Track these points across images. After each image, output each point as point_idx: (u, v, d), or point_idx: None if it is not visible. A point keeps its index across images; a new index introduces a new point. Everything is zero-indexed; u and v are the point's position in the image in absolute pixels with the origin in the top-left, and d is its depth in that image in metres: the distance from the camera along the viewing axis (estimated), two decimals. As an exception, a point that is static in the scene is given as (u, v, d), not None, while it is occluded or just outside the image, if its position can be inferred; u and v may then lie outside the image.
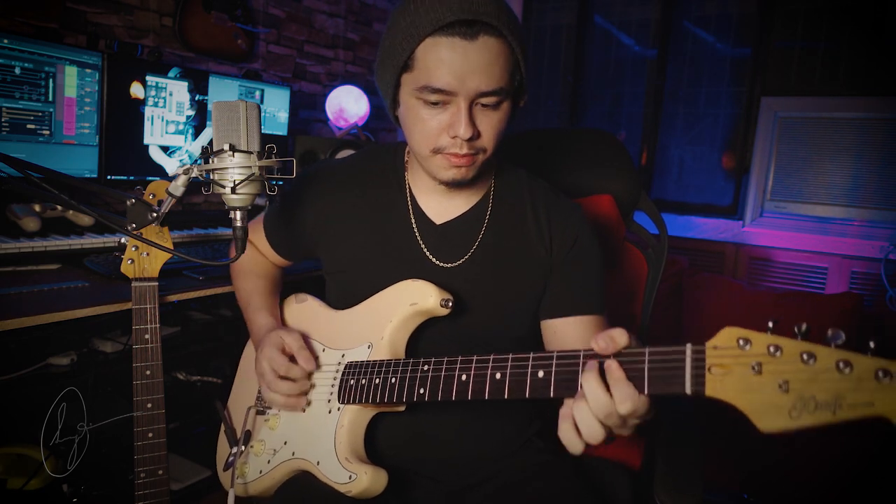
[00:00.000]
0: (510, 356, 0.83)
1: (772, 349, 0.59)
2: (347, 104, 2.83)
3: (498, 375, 0.82)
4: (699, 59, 3.38)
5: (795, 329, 0.59)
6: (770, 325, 0.61)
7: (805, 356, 0.57)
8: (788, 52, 3.09)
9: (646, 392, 0.68)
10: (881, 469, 2.14)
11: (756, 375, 0.60)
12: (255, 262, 1.28)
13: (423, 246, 1.08)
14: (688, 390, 0.64)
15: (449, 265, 1.07)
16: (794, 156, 3.11)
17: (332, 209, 1.13)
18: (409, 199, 1.10)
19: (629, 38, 3.58)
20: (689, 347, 0.65)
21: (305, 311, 1.20)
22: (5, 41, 1.68)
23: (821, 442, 2.23)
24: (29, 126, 1.78)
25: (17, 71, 1.72)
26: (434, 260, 1.07)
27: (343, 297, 1.14)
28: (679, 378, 0.65)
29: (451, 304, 0.99)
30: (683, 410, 1.31)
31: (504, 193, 1.11)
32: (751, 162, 3.18)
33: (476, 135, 0.93)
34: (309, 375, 1.07)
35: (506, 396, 0.81)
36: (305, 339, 1.10)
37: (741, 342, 0.61)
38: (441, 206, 1.09)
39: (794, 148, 3.10)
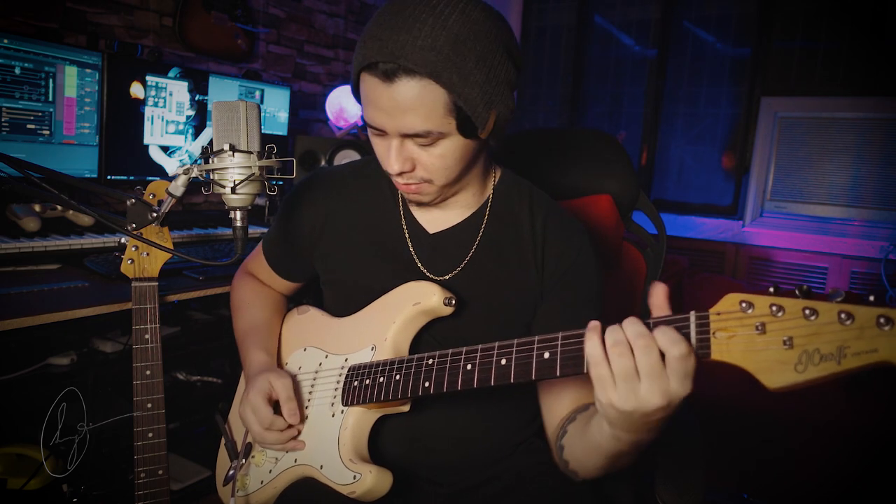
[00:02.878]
0: (515, 341, 0.82)
1: (774, 309, 0.60)
2: (347, 104, 2.82)
3: (503, 361, 0.82)
4: (699, 59, 3.38)
5: (797, 291, 0.61)
6: (771, 289, 0.62)
7: (807, 311, 0.58)
8: (788, 52, 3.09)
9: None
10: (881, 469, 2.14)
11: (760, 335, 0.61)
12: (255, 295, 1.24)
13: (415, 256, 1.07)
14: None
15: (439, 278, 1.06)
16: (794, 156, 3.11)
17: (326, 218, 1.12)
18: (401, 207, 1.09)
19: (629, 38, 3.58)
20: (692, 314, 0.66)
21: (308, 321, 1.19)
22: (5, 41, 1.68)
23: (821, 441, 2.23)
24: (29, 126, 1.78)
25: (17, 71, 1.72)
26: (425, 271, 1.07)
27: (339, 306, 1.14)
28: None
29: (454, 302, 0.99)
30: (683, 410, 1.31)
31: (501, 208, 1.08)
32: (751, 162, 3.19)
33: (412, 168, 0.93)
34: (292, 429, 1.04)
35: (511, 381, 0.81)
36: (296, 386, 1.07)
37: (744, 305, 0.62)
38: (434, 216, 1.08)
39: (794, 148, 3.10)
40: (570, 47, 3.68)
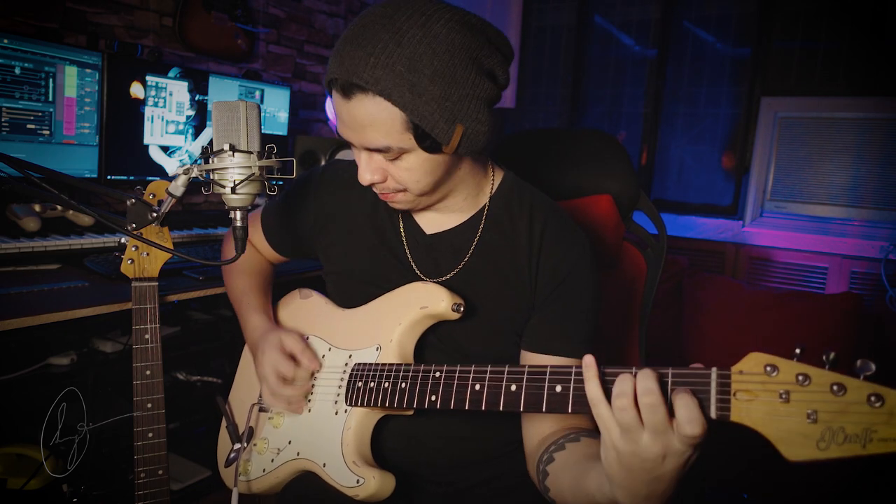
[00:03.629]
0: (526, 368, 0.82)
1: (800, 378, 0.59)
2: (347, 104, 2.82)
3: (513, 387, 0.82)
4: (699, 59, 3.38)
5: (823, 357, 0.59)
6: (797, 351, 0.61)
7: (835, 387, 0.57)
8: (788, 52, 3.09)
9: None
10: (881, 468, 2.14)
11: (783, 404, 0.59)
12: (249, 258, 1.28)
13: (409, 257, 1.08)
14: (712, 415, 0.64)
15: (433, 280, 1.06)
16: (794, 156, 3.11)
17: (331, 210, 1.14)
18: (400, 211, 1.10)
19: (629, 38, 3.58)
20: (714, 371, 0.65)
21: (310, 306, 1.20)
22: (5, 41, 1.68)
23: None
24: (29, 126, 1.78)
25: (17, 71, 1.72)
26: (419, 272, 1.07)
27: (340, 298, 1.16)
28: (704, 402, 0.64)
29: (462, 308, 0.98)
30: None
31: (499, 214, 1.06)
32: (751, 162, 3.19)
33: (382, 178, 0.94)
34: (312, 375, 1.07)
35: (521, 409, 0.80)
36: (303, 339, 1.10)
37: (768, 369, 0.61)
38: (430, 217, 1.08)
39: (794, 148, 3.10)
40: (570, 47, 3.68)
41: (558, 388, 0.77)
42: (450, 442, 1.07)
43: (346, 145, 2.47)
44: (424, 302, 1.00)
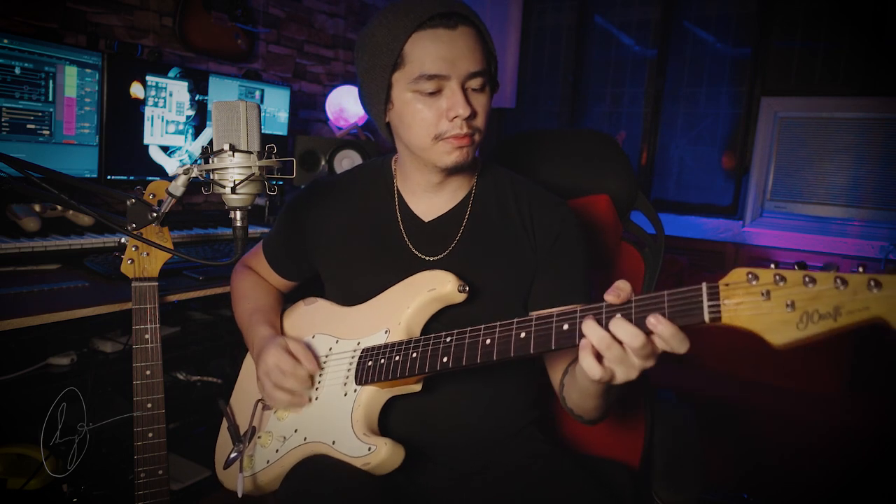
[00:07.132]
0: (533, 316, 0.87)
1: (777, 278, 0.68)
2: (347, 104, 2.82)
3: (522, 334, 0.87)
4: (699, 59, 3.38)
5: (795, 266, 0.68)
6: (772, 265, 0.70)
7: (806, 279, 0.66)
8: (788, 52, 3.10)
9: None
10: (880, 468, 2.14)
11: (765, 301, 0.68)
12: (257, 284, 1.30)
13: (408, 241, 1.13)
14: (706, 319, 0.71)
15: (432, 258, 1.11)
16: (794, 156, 3.11)
17: (326, 220, 1.18)
18: (397, 202, 1.15)
19: (629, 38, 3.58)
20: (704, 285, 0.73)
21: (317, 310, 1.21)
22: (5, 41, 1.68)
23: (820, 441, 2.23)
24: (29, 126, 1.78)
25: (17, 71, 1.72)
26: (418, 254, 1.12)
27: (342, 301, 1.18)
28: (697, 310, 0.72)
29: (467, 289, 1.03)
30: (683, 409, 1.31)
31: (486, 189, 1.16)
32: (751, 162, 3.19)
33: (473, 113, 1.01)
34: (311, 379, 1.09)
35: (532, 351, 0.86)
36: (308, 347, 1.12)
37: (750, 276, 0.69)
38: (430, 204, 1.14)
39: (794, 148, 3.10)
40: (570, 47, 3.68)
41: (565, 327, 0.83)
42: (455, 423, 1.09)
43: (346, 146, 2.47)
44: (432, 285, 1.04)
